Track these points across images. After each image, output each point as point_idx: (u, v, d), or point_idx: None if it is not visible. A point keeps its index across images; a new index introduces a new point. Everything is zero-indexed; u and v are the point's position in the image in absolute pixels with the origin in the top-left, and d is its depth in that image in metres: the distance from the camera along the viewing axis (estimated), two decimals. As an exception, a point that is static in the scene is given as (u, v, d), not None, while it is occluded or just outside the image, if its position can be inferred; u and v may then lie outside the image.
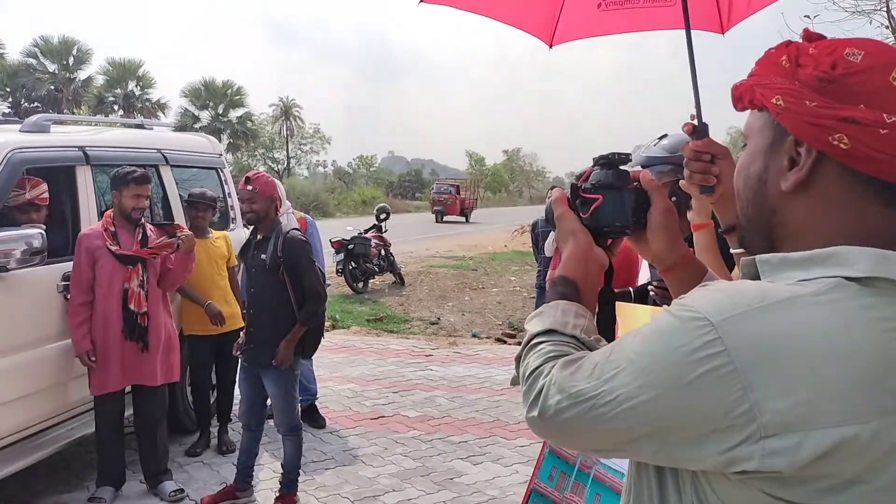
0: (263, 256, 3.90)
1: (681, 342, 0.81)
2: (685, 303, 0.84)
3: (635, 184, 1.15)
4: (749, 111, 0.96)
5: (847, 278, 0.81)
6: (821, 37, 0.91)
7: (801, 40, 0.92)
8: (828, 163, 0.86)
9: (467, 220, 36.23)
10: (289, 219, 4.98)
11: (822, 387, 0.76)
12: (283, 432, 4.05)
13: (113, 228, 4.06)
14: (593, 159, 1.18)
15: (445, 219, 35.33)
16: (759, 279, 0.88)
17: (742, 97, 0.96)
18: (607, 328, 2.12)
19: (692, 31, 2.03)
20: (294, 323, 3.92)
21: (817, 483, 0.77)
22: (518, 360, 1.03)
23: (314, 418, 5.46)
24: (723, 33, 2.31)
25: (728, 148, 1.39)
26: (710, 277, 1.19)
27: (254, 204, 3.91)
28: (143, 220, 4.19)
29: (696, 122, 1.50)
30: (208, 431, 5.03)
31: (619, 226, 1.14)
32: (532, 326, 1.05)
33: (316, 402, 5.58)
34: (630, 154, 1.18)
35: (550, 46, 2.42)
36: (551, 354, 0.97)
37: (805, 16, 7.96)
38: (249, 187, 3.91)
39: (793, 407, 0.76)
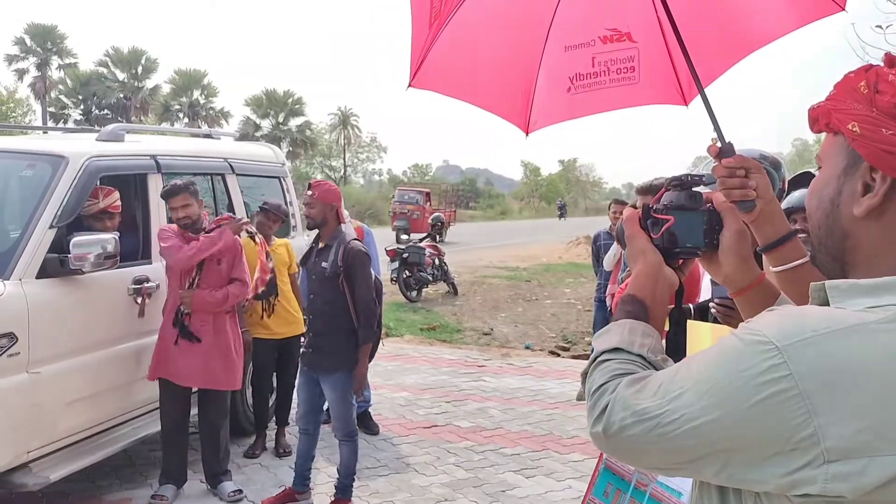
0: (324, 264, 3.99)
1: (746, 365, 0.81)
2: (752, 326, 0.85)
3: (708, 205, 1.16)
4: (825, 133, 0.96)
5: None
6: None
7: (881, 64, 0.92)
8: None
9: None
10: (346, 227, 5.05)
11: (888, 413, 0.76)
12: (340, 437, 4.12)
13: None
14: (666, 180, 1.19)
15: (412, 237, 23.31)
16: (828, 304, 0.88)
17: (818, 120, 0.96)
18: (677, 347, 2.10)
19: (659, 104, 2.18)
20: (351, 330, 4.00)
21: None
22: (584, 376, 1.04)
23: (368, 425, 5.52)
24: (686, 104, 2.29)
25: (759, 163, 1.36)
26: (782, 301, 1.18)
27: (311, 209, 4.06)
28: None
29: (719, 143, 1.49)
30: (265, 434, 5.14)
31: (690, 247, 1.15)
32: (599, 344, 1.06)
33: (370, 410, 5.65)
34: (704, 176, 1.18)
35: (527, 134, 2.38)
36: (617, 372, 0.98)
37: (877, 25, 7.72)
38: (309, 192, 4.09)
39: (857, 433, 0.76)
